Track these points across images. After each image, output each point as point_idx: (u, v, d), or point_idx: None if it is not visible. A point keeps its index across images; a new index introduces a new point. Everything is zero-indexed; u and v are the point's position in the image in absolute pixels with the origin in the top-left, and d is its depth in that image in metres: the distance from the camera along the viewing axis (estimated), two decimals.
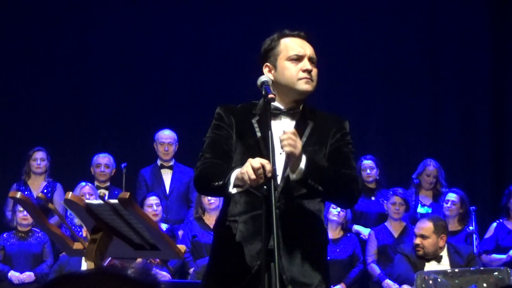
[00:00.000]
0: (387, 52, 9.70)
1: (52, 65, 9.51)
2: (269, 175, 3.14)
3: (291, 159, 3.24)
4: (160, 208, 7.73)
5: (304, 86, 3.46)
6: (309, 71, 3.47)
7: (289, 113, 3.48)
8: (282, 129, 3.33)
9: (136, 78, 9.60)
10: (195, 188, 3.61)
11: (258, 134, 3.45)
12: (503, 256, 7.65)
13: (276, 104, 3.47)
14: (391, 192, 7.95)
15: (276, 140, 3.29)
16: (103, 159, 8.27)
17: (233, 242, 3.39)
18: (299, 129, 3.45)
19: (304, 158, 3.25)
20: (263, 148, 3.39)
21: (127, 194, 3.23)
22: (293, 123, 3.49)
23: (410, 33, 9.72)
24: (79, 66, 9.59)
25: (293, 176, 3.26)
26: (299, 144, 3.22)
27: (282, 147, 3.23)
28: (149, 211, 7.61)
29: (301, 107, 3.53)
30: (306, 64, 3.48)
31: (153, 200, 7.73)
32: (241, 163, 3.35)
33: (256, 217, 3.36)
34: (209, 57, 9.55)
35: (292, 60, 3.50)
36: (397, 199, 7.84)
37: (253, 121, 3.48)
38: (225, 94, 8.34)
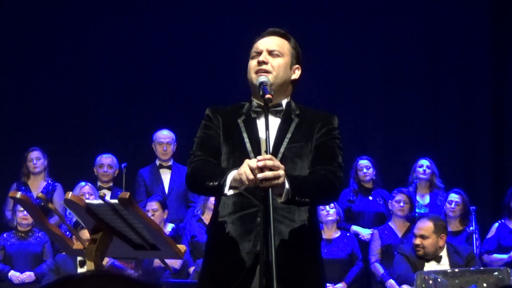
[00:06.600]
0: (387, 52, 9.70)
1: (53, 65, 9.51)
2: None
3: (276, 186, 3.13)
4: (158, 213, 7.60)
5: (257, 79, 3.41)
6: (261, 63, 3.42)
7: (272, 110, 3.39)
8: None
9: (135, 79, 9.60)
10: (187, 187, 3.57)
11: (244, 133, 3.41)
12: (505, 256, 7.64)
13: (259, 102, 3.44)
14: (395, 191, 7.96)
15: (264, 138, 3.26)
16: (106, 160, 8.26)
17: (224, 243, 3.38)
18: (284, 126, 3.42)
19: (286, 178, 3.15)
20: (249, 148, 3.37)
21: (127, 194, 3.23)
22: (277, 120, 3.44)
23: (410, 33, 9.71)
24: (79, 66, 9.60)
25: (280, 200, 3.18)
26: (281, 170, 3.11)
27: (265, 185, 3.10)
28: None
29: (284, 104, 3.47)
30: (260, 57, 3.44)
31: (149, 205, 7.66)
32: (227, 163, 3.36)
33: (244, 217, 3.35)
34: (208, 57, 9.55)
35: (252, 58, 3.49)
36: (402, 196, 7.85)
37: (239, 120, 3.45)
38: (224, 94, 8.33)
